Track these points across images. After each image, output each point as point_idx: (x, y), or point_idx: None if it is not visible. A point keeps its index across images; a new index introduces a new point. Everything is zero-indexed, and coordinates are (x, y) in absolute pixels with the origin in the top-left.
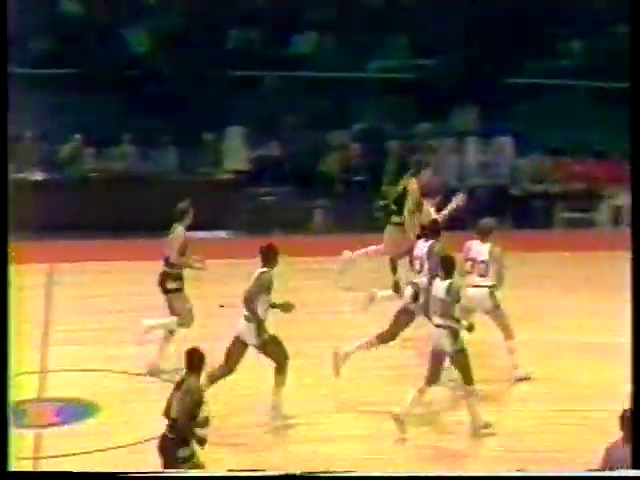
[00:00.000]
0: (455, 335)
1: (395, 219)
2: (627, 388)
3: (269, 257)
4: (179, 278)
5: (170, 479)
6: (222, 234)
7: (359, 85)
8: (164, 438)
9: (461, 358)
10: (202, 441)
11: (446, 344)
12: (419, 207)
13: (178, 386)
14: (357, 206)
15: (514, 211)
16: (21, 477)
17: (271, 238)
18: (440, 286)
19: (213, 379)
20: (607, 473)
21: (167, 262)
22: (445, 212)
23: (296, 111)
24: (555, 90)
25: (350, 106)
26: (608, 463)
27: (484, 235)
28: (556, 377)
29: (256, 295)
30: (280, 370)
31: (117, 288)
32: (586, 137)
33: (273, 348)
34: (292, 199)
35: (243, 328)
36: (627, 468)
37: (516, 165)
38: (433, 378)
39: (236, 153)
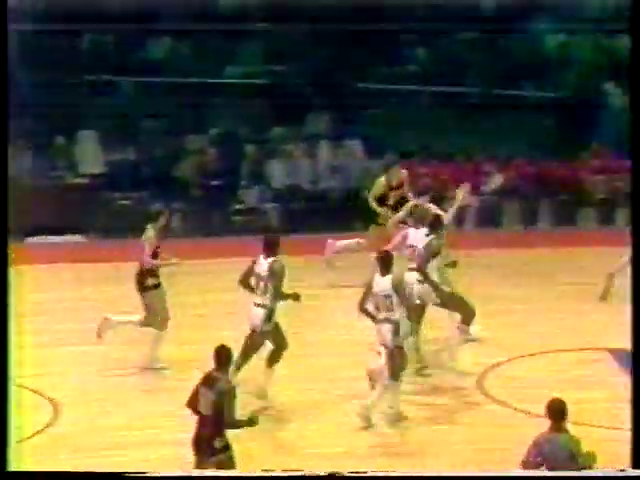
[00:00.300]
0: (397, 331)
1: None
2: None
3: (274, 247)
4: (156, 275)
5: (171, 479)
6: (77, 238)
7: (215, 90)
8: (198, 432)
9: (397, 355)
10: (253, 420)
11: (388, 339)
12: (396, 203)
13: (206, 382)
14: (213, 209)
15: (365, 213)
16: (21, 477)
17: (127, 242)
18: (381, 282)
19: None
20: (607, 473)
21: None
22: (454, 208)
23: (153, 116)
24: (402, 94)
25: (207, 111)
26: (538, 455)
27: (419, 222)
28: None
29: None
30: (276, 356)
31: None
32: (431, 140)
33: (276, 335)
34: (148, 203)
35: (252, 315)
36: (558, 459)
37: (367, 168)
38: (395, 372)
39: (91, 157)
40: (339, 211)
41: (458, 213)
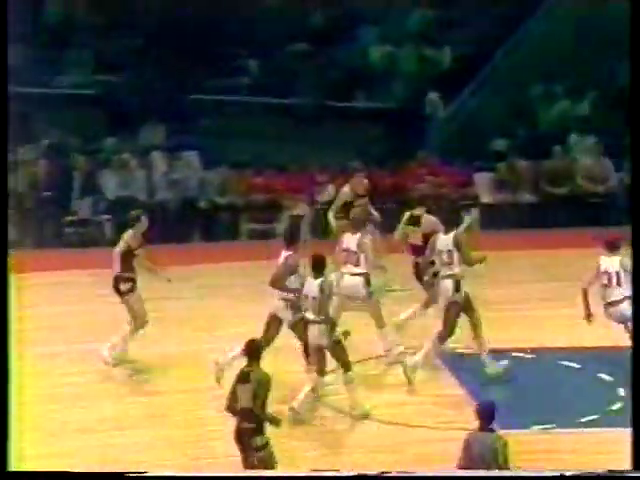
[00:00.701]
0: (331, 329)
1: None
2: None
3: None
4: (130, 279)
5: (172, 479)
6: None
7: (45, 100)
8: (239, 428)
9: (338, 349)
10: (277, 422)
11: (323, 338)
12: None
13: (241, 378)
14: (46, 221)
15: (202, 224)
16: (21, 477)
17: None
18: (313, 284)
19: None
20: (607, 473)
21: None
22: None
23: None
24: (236, 106)
25: (37, 122)
26: (468, 454)
27: (356, 227)
28: None
29: (284, 277)
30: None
31: None
32: (265, 150)
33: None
34: None
35: (279, 306)
36: (487, 458)
37: (203, 179)
38: (322, 371)
39: None
40: (175, 222)
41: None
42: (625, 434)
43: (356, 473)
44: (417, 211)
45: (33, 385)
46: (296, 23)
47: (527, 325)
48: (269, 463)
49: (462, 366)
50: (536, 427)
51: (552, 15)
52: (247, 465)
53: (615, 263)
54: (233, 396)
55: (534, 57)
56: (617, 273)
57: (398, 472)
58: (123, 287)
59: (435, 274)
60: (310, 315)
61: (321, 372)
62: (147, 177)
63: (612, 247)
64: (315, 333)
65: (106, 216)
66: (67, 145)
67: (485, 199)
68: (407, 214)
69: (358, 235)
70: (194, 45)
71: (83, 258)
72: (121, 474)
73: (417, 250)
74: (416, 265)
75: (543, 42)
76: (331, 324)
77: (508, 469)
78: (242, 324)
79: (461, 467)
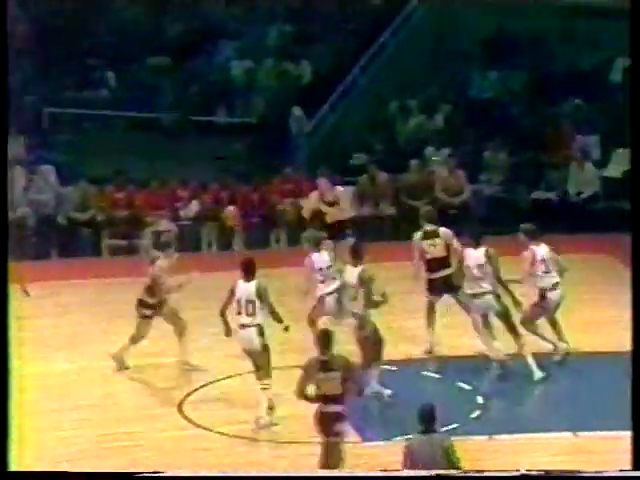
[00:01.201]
0: (262, 333)
1: None
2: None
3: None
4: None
5: (171, 479)
6: None
7: None
8: (322, 413)
9: (264, 355)
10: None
11: (255, 342)
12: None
13: (322, 367)
14: None
15: (61, 240)
16: (21, 477)
17: None
18: (248, 288)
19: None
20: (607, 473)
21: None
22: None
23: None
24: (95, 120)
25: None
26: (414, 458)
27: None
28: (108, 403)
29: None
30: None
31: None
32: (126, 165)
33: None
34: None
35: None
36: (438, 458)
37: (61, 194)
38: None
39: None
40: (34, 238)
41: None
42: (484, 440)
43: (356, 473)
44: (429, 226)
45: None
46: (155, 35)
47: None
48: (342, 455)
49: None
50: (399, 437)
51: (406, 30)
52: (324, 452)
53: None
54: (305, 384)
55: (389, 72)
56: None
57: (398, 472)
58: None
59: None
60: (243, 319)
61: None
62: (9, 192)
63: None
64: (246, 337)
65: None
66: None
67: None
68: (419, 233)
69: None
70: (53, 56)
71: None
72: (122, 474)
73: (432, 266)
74: (430, 282)
75: (398, 57)
76: (260, 329)
77: (460, 468)
78: (105, 341)
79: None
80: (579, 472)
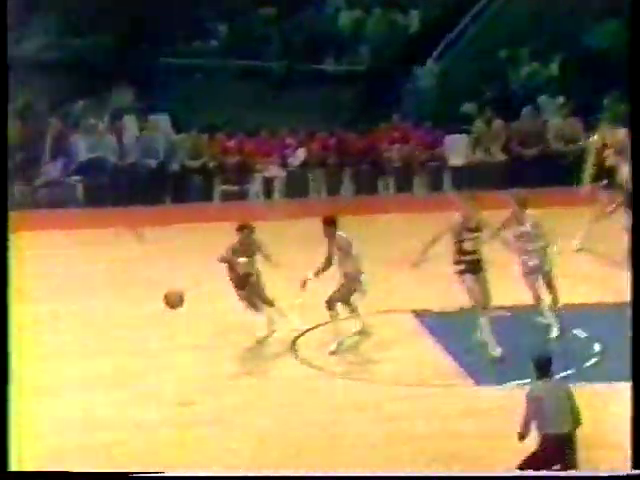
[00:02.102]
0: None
1: None
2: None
3: None
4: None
5: (171, 479)
6: None
7: (14, 64)
8: None
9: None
10: None
11: None
12: None
13: None
14: (14, 183)
15: (174, 186)
16: (21, 477)
17: None
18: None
19: None
20: (607, 473)
21: None
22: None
23: None
24: (206, 70)
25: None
26: (532, 407)
27: None
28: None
29: None
30: None
31: None
32: (236, 114)
33: None
34: None
35: None
36: (563, 408)
37: (174, 141)
38: None
39: None
40: (147, 185)
41: (266, 185)
42: (595, 387)
43: (356, 473)
44: None
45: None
46: None
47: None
48: None
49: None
50: (513, 382)
51: None
52: None
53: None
54: None
55: (500, 20)
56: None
57: (398, 472)
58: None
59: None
60: None
61: None
62: (118, 140)
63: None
64: None
65: (77, 177)
66: (38, 108)
67: (456, 161)
68: None
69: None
70: (164, 8)
71: (56, 219)
72: (123, 474)
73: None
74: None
75: (508, 5)
76: None
77: (580, 418)
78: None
79: (528, 422)
80: (579, 472)
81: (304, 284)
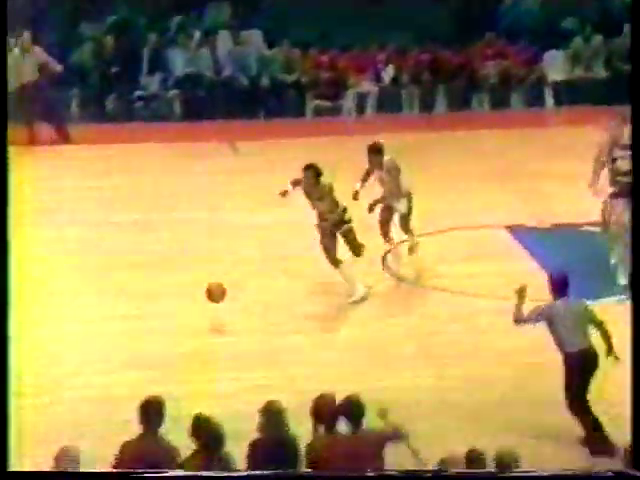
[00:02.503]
0: None
1: None
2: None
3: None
4: None
5: (172, 479)
6: None
7: None
8: None
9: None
10: None
11: None
12: None
13: None
14: (111, 96)
15: (267, 101)
16: (21, 477)
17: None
18: None
19: None
20: (607, 473)
21: None
22: None
23: (50, 3)
24: None
25: None
26: (542, 317)
27: None
28: (315, 254)
29: None
30: None
31: None
32: (329, 28)
33: None
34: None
35: None
36: (579, 323)
37: (267, 56)
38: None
39: None
40: (240, 99)
41: (359, 101)
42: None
43: (356, 473)
44: None
45: None
46: None
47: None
48: None
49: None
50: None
51: None
52: None
53: None
54: None
55: None
56: None
57: (398, 472)
58: None
59: None
60: None
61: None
62: (212, 54)
63: None
64: None
65: (174, 91)
66: (135, 22)
67: (556, 76)
68: None
69: None
70: None
71: (152, 132)
72: (123, 474)
73: None
74: None
75: None
76: None
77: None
78: None
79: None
80: (578, 472)
81: (356, 194)
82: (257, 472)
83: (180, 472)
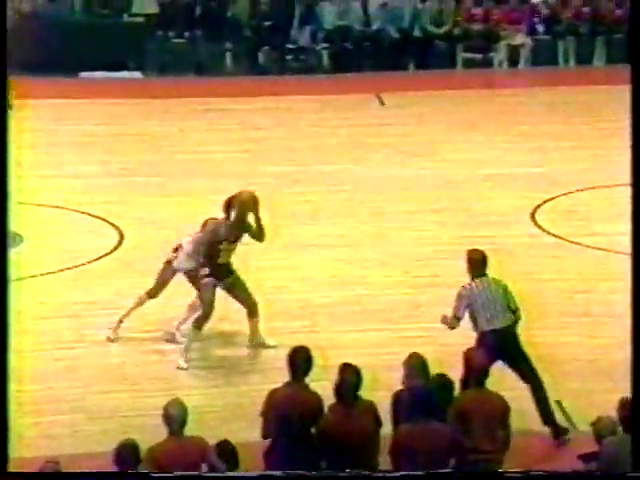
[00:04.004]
0: None
1: None
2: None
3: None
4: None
5: (172, 479)
6: (136, 74)
7: None
8: None
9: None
10: None
11: None
12: None
13: None
14: (263, 50)
15: (417, 52)
16: (21, 477)
17: (184, 80)
18: None
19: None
20: (608, 473)
21: None
22: None
23: None
24: None
25: None
26: (464, 303)
27: None
28: (461, 207)
29: None
30: None
31: None
32: None
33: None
34: (201, 42)
35: None
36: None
37: (418, 8)
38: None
39: None
40: (390, 51)
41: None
42: None
43: (356, 473)
44: None
45: None
46: None
47: None
48: None
49: None
50: None
51: None
52: None
53: None
54: None
55: None
56: None
57: (399, 472)
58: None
59: None
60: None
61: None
62: (362, 7)
63: None
64: None
65: (324, 44)
66: None
67: None
68: None
69: None
70: None
71: (301, 85)
72: (123, 474)
73: None
74: None
75: None
76: None
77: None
78: (460, 150)
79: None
80: (578, 472)
81: None
82: (256, 472)
83: (180, 472)
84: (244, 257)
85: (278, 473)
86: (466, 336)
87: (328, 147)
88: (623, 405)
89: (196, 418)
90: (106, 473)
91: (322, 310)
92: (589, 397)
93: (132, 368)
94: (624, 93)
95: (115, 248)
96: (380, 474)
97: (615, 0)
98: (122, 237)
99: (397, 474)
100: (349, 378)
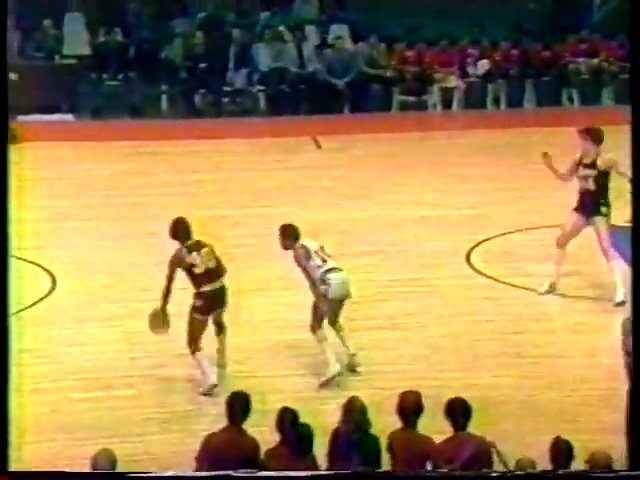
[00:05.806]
0: None
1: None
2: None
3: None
4: None
5: (172, 479)
6: (68, 117)
7: None
8: None
9: None
10: None
11: None
12: None
13: None
14: (199, 92)
15: (353, 95)
16: (21, 477)
17: (118, 122)
18: None
19: None
20: (608, 473)
21: None
22: None
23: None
24: None
25: None
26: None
27: None
28: (397, 249)
29: None
30: None
31: None
32: (416, 24)
33: None
34: (137, 84)
35: None
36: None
37: (353, 51)
38: None
39: (77, 39)
40: (325, 94)
41: (444, 96)
42: None
43: (356, 473)
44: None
45: None
46: None
47: None
48: None
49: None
50: None
51: None
52: None
53: None
54: None
55: None
56: None
57: (398, 472)
58: None
59: None
60: None
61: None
62: (298, 50)
63: None
64: None
65: (260, 87)
66: (223, 18)
67: None
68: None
69: None
70: None
71: (236, 127)
72: (122, 474)
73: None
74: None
75: None
76: None
77: None
78: (395, 192)
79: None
80: (578, 472)
81: None
82: (256, 472)
83: (180, 472)
84: (180, 301)
85: (277, 474)
86: (397, 379)
87: (265, 190)
88: (555, 444)
89: None
90: (106, 473)
91: (261, 355)
92: (523, 438)
93: (64, 416)
94: (554, 135)
95: (49, 293)
96: (380, 474)
97: (544, 43)
98: (55, 282)
99: (397, 474)
100: None
